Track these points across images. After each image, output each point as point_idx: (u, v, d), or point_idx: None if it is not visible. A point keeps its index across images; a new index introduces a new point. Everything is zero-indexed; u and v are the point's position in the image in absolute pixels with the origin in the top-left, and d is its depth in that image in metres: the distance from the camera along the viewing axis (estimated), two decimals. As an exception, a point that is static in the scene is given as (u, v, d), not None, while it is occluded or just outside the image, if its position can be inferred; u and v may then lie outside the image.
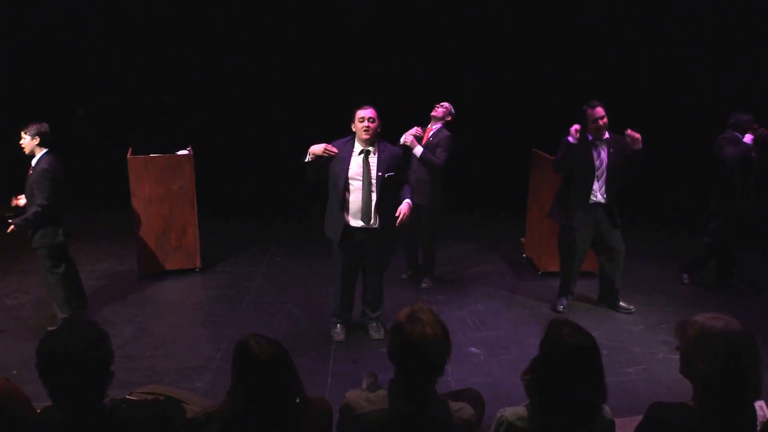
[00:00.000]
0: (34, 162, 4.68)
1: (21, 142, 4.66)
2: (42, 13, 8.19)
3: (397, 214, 4.38)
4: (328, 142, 4.56)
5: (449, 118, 5.55)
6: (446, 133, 5.48)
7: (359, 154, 4.41)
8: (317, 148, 4.42)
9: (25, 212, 4.68)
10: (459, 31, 8.37)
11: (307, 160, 4.45)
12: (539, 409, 2.09)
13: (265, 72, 8.51)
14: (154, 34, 8.30)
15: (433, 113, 5.53)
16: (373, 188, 4.40)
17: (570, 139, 4.82)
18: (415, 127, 5.45)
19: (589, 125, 4.88)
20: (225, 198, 8.22)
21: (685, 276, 5.93)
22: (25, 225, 4.63)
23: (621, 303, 5.37)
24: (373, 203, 4.42)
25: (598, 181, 4.95)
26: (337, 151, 4.41)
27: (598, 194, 4.98)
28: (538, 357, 2.11)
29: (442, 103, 5.58)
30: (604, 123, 4.86)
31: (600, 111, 4.85)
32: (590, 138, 4.92)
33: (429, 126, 5.54)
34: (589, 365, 2.05)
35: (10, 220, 4.62)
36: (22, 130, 4.65)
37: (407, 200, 4.45)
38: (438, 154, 5.39)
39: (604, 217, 5.05)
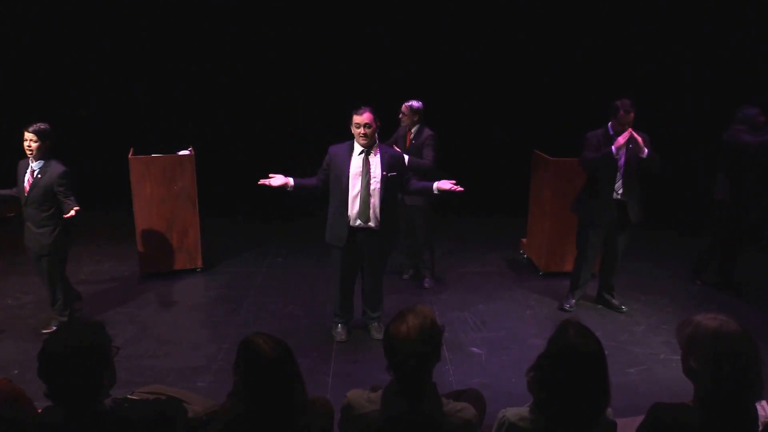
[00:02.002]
0: (37, 165, 4.58)
1: (29, 144, 4.51)
2: (45, 12, 8.19)
3: (450, 188, 4.38)
4: (329, 144, 4.60)
5: (416, 118, 5.45)
6: (428, 132, 5.44)
7: (359, 154, 4.44)
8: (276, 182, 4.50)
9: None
10: (459, 31, 8.37)
11: (289, 189, 4.53)
12: (540, 407, 2.08)
13: (266, 71, 8.52)
14: (157, 34, 8.31)
15: (401, 119, 5.49)
16: (372, 188, 4.42)
17: (613, 149, 4.77)
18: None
19: (619, 117, 4.81)
20: (226, 198, 8.23)
21: (698, 279, 5.90)
22: (64, 232, 4.64)
23: (614, 300, 5.38)
24: (371, 203, 4.44)
25: (617, 177, 4.96)
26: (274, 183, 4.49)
27: (620, 191, 4.99)
28: (543, 355, 2.11)
29: (402, 110, 5.47)
30: (631, 122, 4.85)
31: (632, 114, 4.82)
32: (611, 133, 4.90)
33: (409, 130, 5.50)
34: (592, 370, 2.02)
35: (75, 207, 4.52)
36: (28, 130, 4.50)
37: (436, 182, 4.48)
38: (425, 154, 5.38)
39: (617, 213, 5.06)
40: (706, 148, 6.49)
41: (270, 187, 4.50)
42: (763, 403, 2.25)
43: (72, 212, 4.51)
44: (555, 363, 2.05)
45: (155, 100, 8.52)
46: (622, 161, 4.92)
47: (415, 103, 5.47)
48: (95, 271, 6.19)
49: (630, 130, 4.76)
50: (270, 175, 4.51)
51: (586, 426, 2.06)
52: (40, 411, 2.25)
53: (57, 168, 4.58)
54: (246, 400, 2.12)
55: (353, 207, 4.47)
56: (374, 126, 4.37)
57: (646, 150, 4.78)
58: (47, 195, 4.57)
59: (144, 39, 8.34)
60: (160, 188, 5.85)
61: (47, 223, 4.63)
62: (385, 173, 4.42)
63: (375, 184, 4.42)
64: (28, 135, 4.52)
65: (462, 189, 4.39)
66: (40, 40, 8.32)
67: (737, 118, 5.42)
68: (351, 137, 4.47)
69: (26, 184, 4.61)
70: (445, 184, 4.42)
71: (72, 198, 4.58)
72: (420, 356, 2.12)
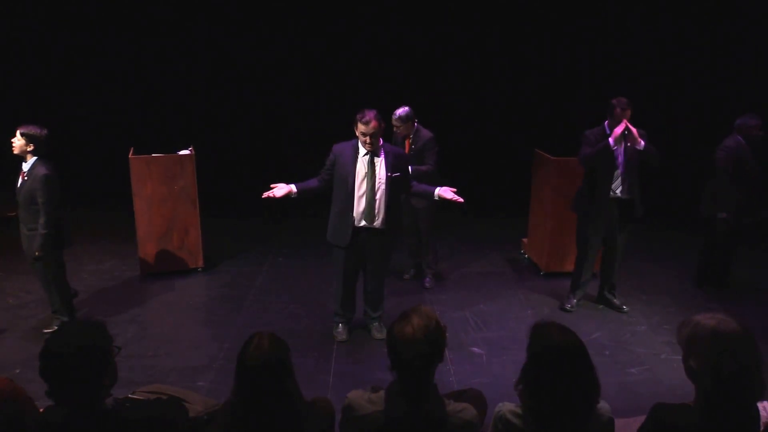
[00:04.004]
0: (26, 167, 4.53)
1: (13, 140, 4.49)
2: (44, 11, 8.20)
3: (451, 198, 4.40)
4: (329, 143, 4.62)
5: (409, 123, 5.33)
6: (427, 134, 5.39)
7: (364, 155, 4.44)
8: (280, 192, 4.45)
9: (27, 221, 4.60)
10: (460, 30, 8.36)
11: (293, 196, 4.51)
12: (533, 412, 2.08)
13: (266, 71, 8.52)
14: (156, 33, 8.31)
15: (398, 133, 5.39)
16: (377, 189, 4.43)
17: (611, 141, 4.78)
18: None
19: (616, 115, 4.80)
20: (227, 198, 8.23)
21: (707, 286, 5.79)
22: (45, 240, 4.50)
23: (615, 300, 5.38)
24: (377, 203, 4.44)
25: (616, 175, 4.96)
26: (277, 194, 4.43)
27: (618, 189, 4.99)
28: (527, 364, 2.09)
29: (393, 124, 5.31)
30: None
31: (628, 112, 4.81)
32: (608, 132, 4.90)
33: (407, 137, 5.42)
34: (576, 361, 2.02)
35: (37, 252, 4.50)
36: (19, 128, 4.48)
37: (438, 188, 4.48)
38: (427, 158, 5.36)
39: (617, 212, 5.06)
40: (707, 148, 6.48)
41: (275, 199, 4.45)
42: (765, 403, 2.25)
43: (36, 254, 4.52)
44: (540, 365, 2.04)
45: (155, 99, 8.52)
46: (621, 159, 4.92)
47: (401, 111, 5.28)
48: (96, 270, 6.19)
49: (625, 121, 4.75)
50: (271, 186, 4.47)
51: (581, 420, 2.05)
52: (41, 410, 2.26)
53: (40, 170, 4.48)
54: (240, 401, 2.14)
55: (358, 207, 4.47)
56: (380, 132, 4.36)
57: (642, 142, 4.78)
58: (32, 198, 4.48)
59: (144, 38, 8.35)
60: (161, 188, 5.85)
61: (36, 226, 4.54)
62: (389, 174, 4.42)
63: (380, 185, 4.43)
64: (16, 136, 4.49)
65: (462, 200, 4.39)
66: (40, 40, 8.32)
67: (736, 126, 5.39)
68: (352, 135, 4.47)
69: (18, 186, 4.57)
70: (447, 193, 4.42)
71: (46, 211, 4.44)
72: (425, 357, 2.13)
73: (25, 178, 4.54)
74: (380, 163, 4.42)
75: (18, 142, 4.49)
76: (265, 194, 4.46)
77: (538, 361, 2.05)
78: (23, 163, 4.58)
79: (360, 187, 4.44)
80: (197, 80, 8.52)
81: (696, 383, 2.08)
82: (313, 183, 4.59)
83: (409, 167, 5.10)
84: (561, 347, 2.03)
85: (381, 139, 4.47)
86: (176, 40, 8.33)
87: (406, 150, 5.40)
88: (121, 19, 8.26)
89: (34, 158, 4.54)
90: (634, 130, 4.75)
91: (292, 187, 4.50)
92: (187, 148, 6.08)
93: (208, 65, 8.52)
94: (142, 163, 5.80)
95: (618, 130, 4.77)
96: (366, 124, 4.28)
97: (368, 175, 4.42)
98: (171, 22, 8.27)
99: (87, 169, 8.07)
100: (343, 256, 4.67)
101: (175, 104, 8.49)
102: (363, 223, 4.50)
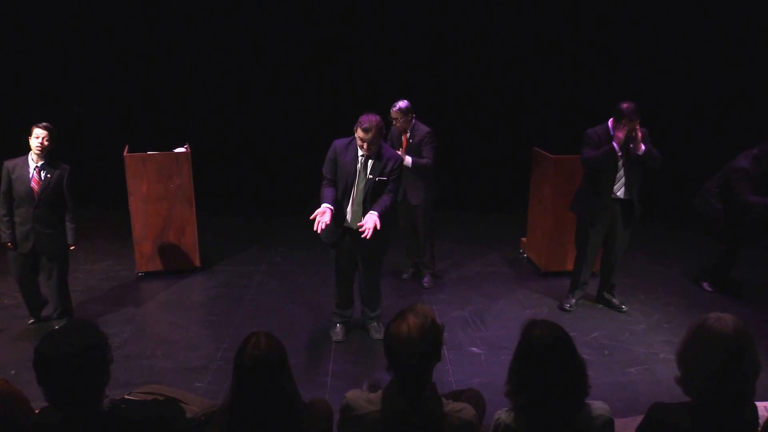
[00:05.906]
0: (43, 164, 4.49)
1: (42, 141, 4.43)
2: (39, 8, 8.16)
3: (360, 224, 4.23)
4: (326, 141, 4.56)
5: (410, 117, 5.34)
6: (425, 129, 5.37)
7: (361, 156, 4.42)
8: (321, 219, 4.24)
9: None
10: (460, 29, 8.35)
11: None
12: (523, 410, 2.08)
13: (263, 69, 8.50)
14: (152, 31, 8.28)
15: (396, 126, 5.37)
16: (365, 190, 4.42)
17: (615, 145, 4.76)
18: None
19: (624, 122, 4.75)
20: (224, 196, 8.21)
21: (706, 284, 5.78)
22: (78, 233, 4.76)
23: (614, 300, 5.37)
24: (364, 205, 4.42)
25: (618, 177, 4.94)
26: (322, 224, 4.19)
27: (619, 191, 4.98)
28: (512, 363, 2.12)
29: (392, 116, 5.29)
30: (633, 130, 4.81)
31: (636, 123, 4.77)
32: (612, 133, 4.87)
33: (405, 131, 5.40)
34: (559, 355, 2.06)
35: (72, 246, 4.74)
36: (41, 126, 4.45)
37: (374, 212, 4.26)
38: (425, 152, 5.35)
39: (619, 213, 5.05)
40: (706, 147, 6.48)
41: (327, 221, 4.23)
42: (766, 403, 2.24)
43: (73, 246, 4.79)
44: (522, 364, 2.09)
45: (151, 96, 8.49)
46: (623, 161, 4.88)
47: (402, 104, 5.30)
48: (92, 270, 6.16)
49: (626, 130, 4.72)
50: (312, 218, 4.21)
51: (572, 410, 2.06)
52: (37, 411, 2.23)
53: (65, 167, 4.61)
54: (238, 399, 2.12)
55: (351, 207, 4.46)
56: (379, 139, 4.32)
57: (643, 146, 4.77)
58: (59, 194, 4.57)
59: (139, 35, 8.31)
60: (157, 186, 5.82)
61: (58, 222, 4.65)
62: (372, 176, 4.40)
63: (367, 186, 4.42)
64: (41, 132, 4.44)
65: (363, 232, 4.18)
66: (35, 38, 8.28)
67: (755, 154, 5.28)
68: (351, 133, 4.44)
69: (34, 185, 4.51)
70: (366, 218, 4.25)
71: (74, 205, 4.69)
72: (421, 356, 2.12)
73: (49, 176, 4.53)
74: (370, 166, 4.41)
75: (47, 141, 4.47)
76: (319, 226, 4.17)
77: (521, 358, 2.10)
78: (36, 162, 4.51)
79: (351, 188, 4.43)
80: (193, 77, 8.49)
81: (695, 382, 2.07)
82: (332, 193, 4.43)
83: (409, 159, 5.18)
84: (539, 342, 2.07)
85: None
86: (172, 37, 8.30)
87: (403, 145, 5.39)
88: (115, 14, 8.22)
89: (48, 157, 4.55)
90: (639, 135, 4.71)
91: (330, 206, 4.30)
92: (183, 146, 6.05)
93: (204, 62, 8.49)
94: (137, 161, 5.77)
95: (620, 134, 4.73)
96: (366, 131, 4.23)
97: (360, 177, 4.41)
98: (167, 20, 8.24)
99: (81, 168, 8.02)
100: (335, 255, 4.67)
101: (171, 101, 8.45)
102: (350, 223, 4.46)
